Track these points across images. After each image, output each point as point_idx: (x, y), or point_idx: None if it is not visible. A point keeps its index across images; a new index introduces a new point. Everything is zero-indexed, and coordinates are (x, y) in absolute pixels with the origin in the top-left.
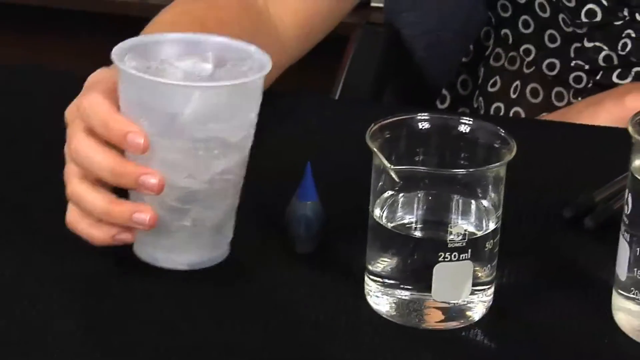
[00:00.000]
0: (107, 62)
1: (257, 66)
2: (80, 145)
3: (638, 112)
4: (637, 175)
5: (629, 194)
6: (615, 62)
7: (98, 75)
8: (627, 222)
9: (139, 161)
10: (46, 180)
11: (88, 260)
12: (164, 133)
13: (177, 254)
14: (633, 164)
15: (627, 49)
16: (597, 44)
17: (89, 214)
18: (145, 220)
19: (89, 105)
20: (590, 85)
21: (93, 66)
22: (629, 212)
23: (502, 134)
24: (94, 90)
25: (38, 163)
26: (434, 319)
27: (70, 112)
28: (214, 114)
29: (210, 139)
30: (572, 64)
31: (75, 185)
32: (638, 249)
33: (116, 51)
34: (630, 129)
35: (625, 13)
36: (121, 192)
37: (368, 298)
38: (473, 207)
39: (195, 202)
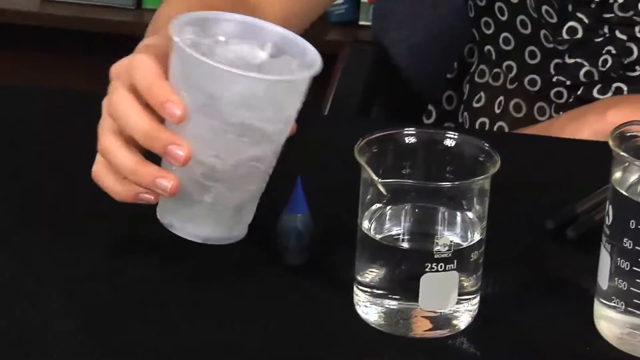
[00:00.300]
0: (103, 79)
1: (307, 64)
2: (120, 101)
3: (618, 126)
4: (617, 188)
5: (610, 205)
6: (596, 77)
7: (153, 40)
8: (608, 233)
9: (173, 129)
10: (46, 181)
11: (88, 261)
12: (200, 110)
13: (194, 225)
14: (614, 177)
15: (608, 65)
16: (578, 60)
17: (116, 169)
18: (167, 187)
19: (139, 65)
20: (571, 100)
21: (88, 84)
22: (609, 223)
23: (487, 148)
24: (146, 52)
25: (38, 164)
26: (421, 328)
27: (116, 68)
28: (252, 103)
29: (243, 126)
30: (554, 80)
31: (107, 138)
32: (619, 258)
33: (175, 22)
34: (610, 143)
35: (606, 30)
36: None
37: (357, 308)
38: (459, 219)
39: (219, 181)
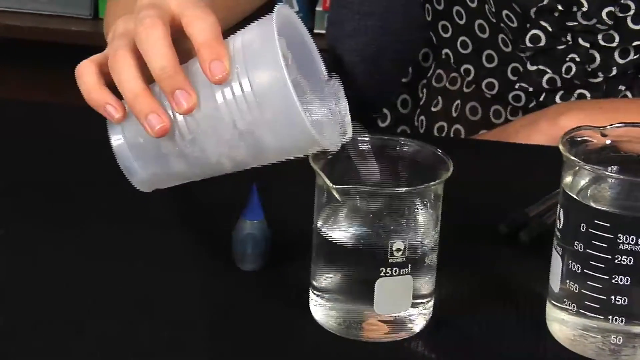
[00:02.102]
0: (60, 89)
1: (347, 133)
2: (151, 28)
3: (569, 131)
4: (568, 192)
5: (561, 209)
6: (559, 84)
7: None
8: (559, 236)
9: (193, 78)
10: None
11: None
12: (235, 90)
13: (129, 150)
14: (564, 181)
15: (572, 72)
16: (541, 67)
17: (97, 76)
18: (155, 127)
19: (201, 18)
20: (531, 105)
21: (44, 94)
22: (561, 227)
23: (440, 154)
24: (205, 5)
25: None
26: (377, 332)
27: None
28: (287, 135)
29: (256, 140)
30: (516, 87)
31: (123, 53)
32: (570, 261)
33: (282, 11)
34: (561, 148)
35: (569, 38)
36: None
37: (313, 313)
38: (412, 223)
39: (188, 147)
